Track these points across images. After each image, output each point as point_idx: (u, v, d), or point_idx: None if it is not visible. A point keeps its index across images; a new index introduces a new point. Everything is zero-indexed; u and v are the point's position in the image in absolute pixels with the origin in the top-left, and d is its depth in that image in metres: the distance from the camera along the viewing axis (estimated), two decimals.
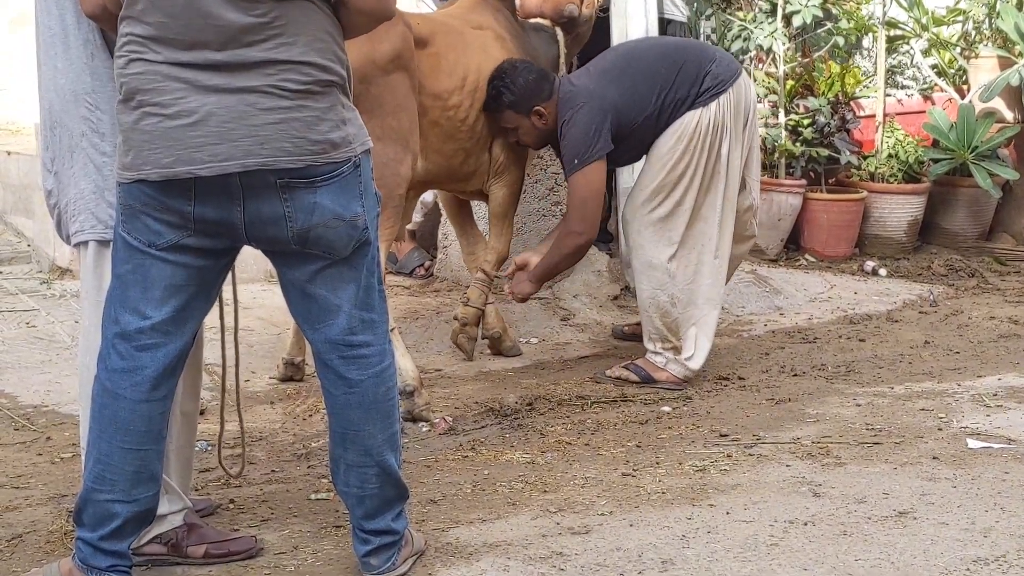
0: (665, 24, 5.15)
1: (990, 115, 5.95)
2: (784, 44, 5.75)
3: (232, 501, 3.09)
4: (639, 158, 3.98)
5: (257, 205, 2.57)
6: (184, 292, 2.62)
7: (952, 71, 6.47)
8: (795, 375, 4.44)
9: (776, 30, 5.68)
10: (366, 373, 2.70)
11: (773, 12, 5.73)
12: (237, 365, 2.99)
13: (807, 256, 5.81)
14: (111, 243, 2.68)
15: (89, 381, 2.68)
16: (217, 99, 2.52)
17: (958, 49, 6.48)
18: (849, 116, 5.83)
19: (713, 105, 3.82)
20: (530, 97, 3.78)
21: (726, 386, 4.31)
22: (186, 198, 2.53)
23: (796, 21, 5.72)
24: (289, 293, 2.74)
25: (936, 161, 5.90)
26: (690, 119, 3.82)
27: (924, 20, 6.37)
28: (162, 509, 2.75)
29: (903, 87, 6.54)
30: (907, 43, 6.56)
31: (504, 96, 3.79)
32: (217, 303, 2.89)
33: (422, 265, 5.42)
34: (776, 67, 5.80)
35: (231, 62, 2.52)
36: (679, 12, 5.32)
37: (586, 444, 3.67)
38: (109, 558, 2.62)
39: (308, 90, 2.55)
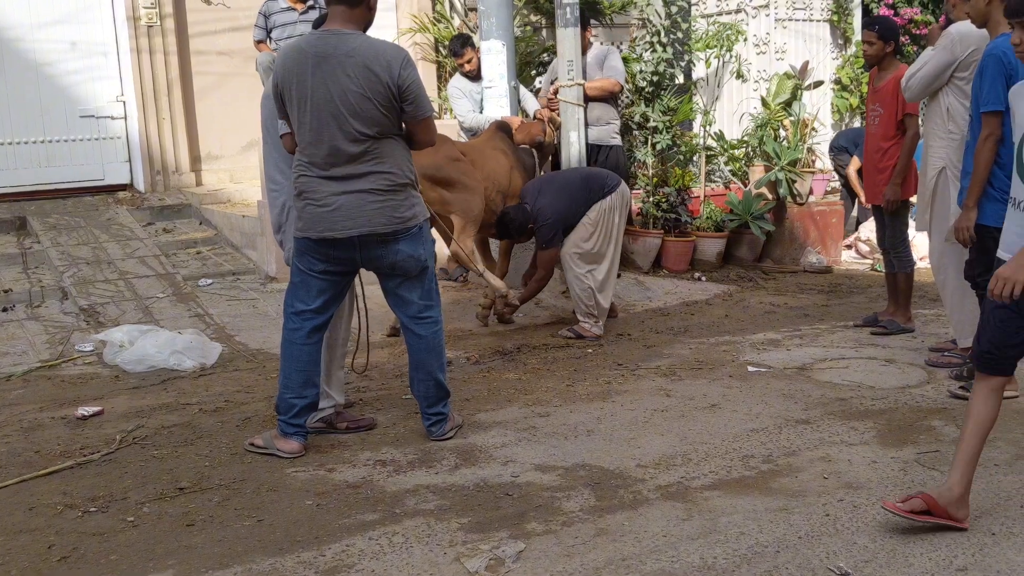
0: (595, 147, 7.01)
1: (760, 195, 8.49)
2: (651, 159, 8.03)
3: (361, 399, 4.72)
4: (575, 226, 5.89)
5: (367, 251, 3.87)
6: (326, 293, 3.95)
7: (740, 173, 9.06)
8: (657, 333, 6.10)
9: (647, 151, 7.93)
10: (428, 331, 4.05)
11: (646, 142, 7.95)
12: (368, 328, 4.48)
13: (664, 270, 7.99)
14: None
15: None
16: (345, 197, 3.77)
17: (743, 161, 9.03)
18: (686, 197, 8.01)
19: (609, 198, 5.81)
20: (523, 225, 5.72)
21: (620, 339, 5.95)
22: (330, 247, 3.86)
23: (658, 146, 7.98)
24: (386, 293, 4.07)
25: (731, 220, 8.35)
26: (598, 205, 5.78)
27: (725, 145, 8.96)
28: (322, 404, 4.18)
29: (714, 181, 8.94)
30: (717, 158, 9.08)
31: (512, 230, 5.76)
32: (360, 296, 4.32)
33: (463, 275, 7.32)
34: (648, 170, 8.02)
35: (351, 174, 3.78)
36: (616, 141, 7.19)
37: (548, 369, 5.24)
38: (292, 428, 3.97)
39: (392, 189, 3.81)
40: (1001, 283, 2.96)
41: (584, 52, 7.09)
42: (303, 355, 3.97)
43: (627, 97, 8.20)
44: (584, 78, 7.03)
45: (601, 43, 7.76)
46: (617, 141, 7.28)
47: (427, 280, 4.04)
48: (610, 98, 7.19)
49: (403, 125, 3.91)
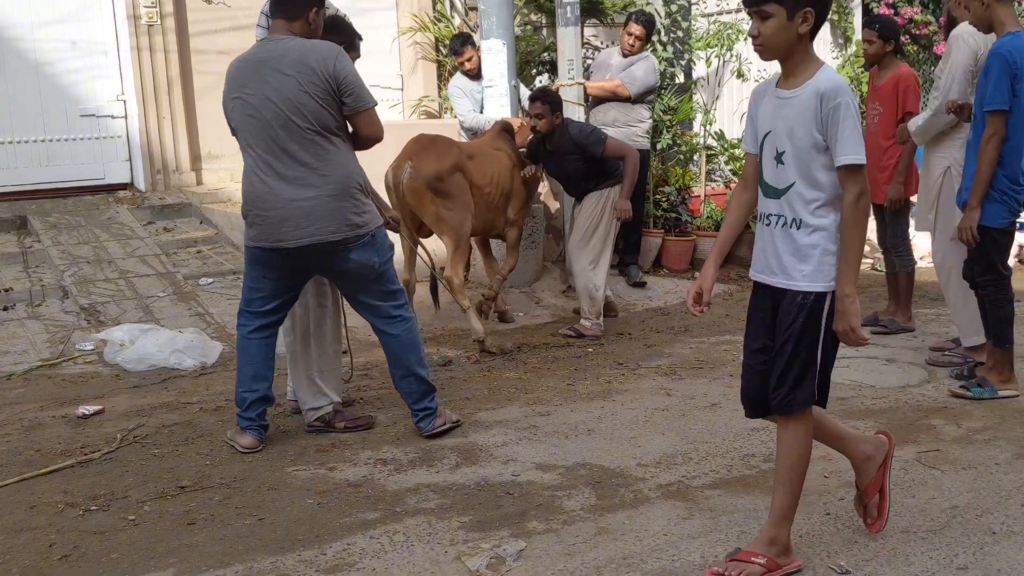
0: None
1: None
2: (652, 158, 7.96)
3: (361, 398, 4.76)
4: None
5: (318, 260, 3.90)
6: (279, 298, 4.01)
7: (740, 172, 8.91)
8: (657, 332, 6.13)
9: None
10: (400, 328, 4.06)
11: None
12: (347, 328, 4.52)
13: (664, 270, 8.02)
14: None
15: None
16: (294, 206, 3.78)
17: (744, 160, 8.88)
18: (686, 196, 8.04)
19: (617, 187, 5.87)
20: (558, 103, 5.82)
21: (621, 338, 5.98)
22: (281, 256, 3.88)
23: (658, 146, 8.03)
24: (347, 299, 4.12)
25: None
26: (609, 192, 5.83)
27: (725, 145, 8.89)
28: (319, 403, 4.23)
29: (715, 180, 8.90)
30: (717, 157, 9.03)
31: (550, 100, 5.79)
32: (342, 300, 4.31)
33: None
34: (648, 170, 7.91)
35: (300, 178, 3.78)
36: (640, 143, 7.13)
37: (548, 368, 5.27)
38: (246, 422, 4.05)
39: (341, 195, 3.81)
40: (845, 337, 2.79)
41: (633, 55, 7.21)
42: (251, 348, 4.04)
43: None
44: (587, 78, 7.07)
45: (647, 50, 7.64)
46: (641, 144, 7.20)
47: (386, 282, 4.04)
48: (635, 99, 7.18)
49: (346, 124, 3.89)
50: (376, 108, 3.93)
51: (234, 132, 3.95)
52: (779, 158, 2.82)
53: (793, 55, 2.78)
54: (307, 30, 3.92)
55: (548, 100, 5.80)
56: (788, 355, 2.85)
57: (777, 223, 2.85)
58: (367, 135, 3.91)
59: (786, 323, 2.84)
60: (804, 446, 2.90)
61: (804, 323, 2.81)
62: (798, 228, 2.80)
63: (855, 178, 2.72)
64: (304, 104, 3.75)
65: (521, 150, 6.18)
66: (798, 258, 2.81)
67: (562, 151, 5.89)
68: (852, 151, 2.69)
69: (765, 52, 2.82)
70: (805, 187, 2.78)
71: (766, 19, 2.73)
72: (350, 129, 3.94)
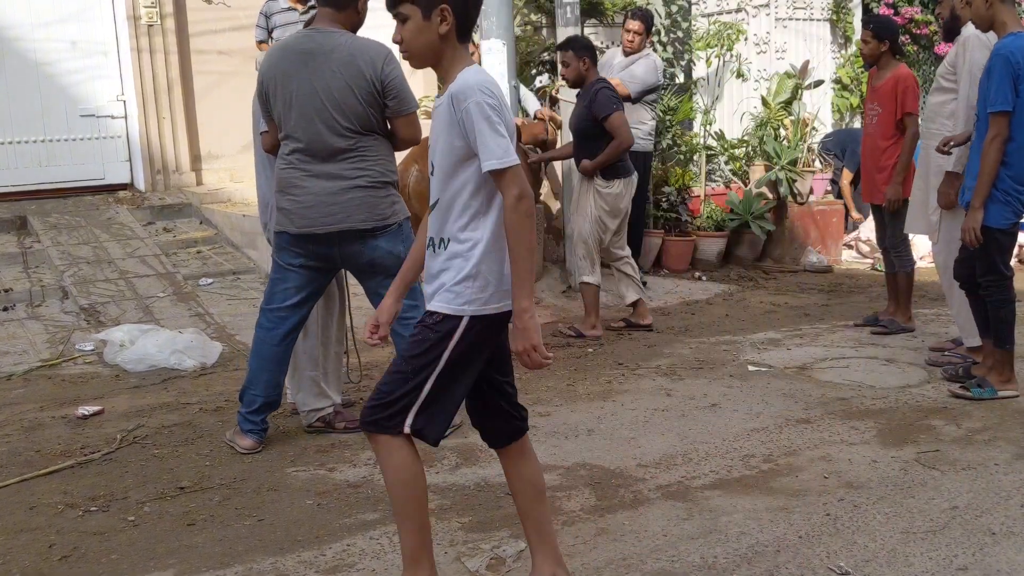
0: None
1: (760, 195, 8.49)
2: (653, 158, 7.95)
3: (361, 399, 4.65)
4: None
5: (346, 247, 3.89)
6: (304, 291, 3.98)
7: (740, 172, 9.05)
8: (658, 332, 6.10)
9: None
10: (410, 331, 3.86)
11: None
12: (353, 329, 4.47)
13: (664, 269, 8.04)
14: None
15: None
16: (326, 194, 3.81)
17: (744, 160, 9.00)
18: (686, 196, 8.10)
19: (629, 178, 5.86)
20: (583, 47, 5.79)
21: (621, 338, 5.97)
22: (308, 242, 3.88)
23: (659, 146, 8.02)
24: (368, 294, 4.07)
25: (732, 219, 8.34)
26: (620, 181, 5.83)
27: (725, 145, 8.93)
28: (321, 404, 4.24)
29: (715, 181, 8.93)
30: (717, 157, 9.03)
31: (573, 46, 5.81)
32: (346, 295, 4.34)
33: None
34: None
35: (334, 170, 3.82)
36: (641, 145, 7.11)
37: (548, 369, 4.89)
38: (249, 424, 4.03)
39: (374, 185, 3.85)
40: (527, 357, 2.49)
41: (634, 52, 7.16)
42: (272, 356, 4.03)
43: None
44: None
45: (648, 47, 7.57)
46: (643, 147, 7.15)
47: None
48: (635, 99, 7.15)
49: (387, 123, 3.91)
50: (417, 112, 3.97)
51: (268, 117, 3.95)
52: (432, 172, 2.58)
53: (441, 60, 2.56)
54: (356, 19, 3.94)
55: (571, 46, 5.79)
56: (395, 369, 2.60)
57: (432, 243, 2.60)
58: (405, 137, 3.95)
59: (410, 337, 2.63)
60: (395, 472, 2.58)
61: (425, 343, 2.56)
62: (445, 247, 2.54)
63: (508, 181, 2.43)
64: (348, 104, 3.76)
65: (528, 147, 6.18)
66: (436, 276, 2.56)
67: (581, 97, 5.88)
68: (493, 155, 2.41)
69: (411, 58, 2.60)
70: (451, 201, 2.51)
71: (404, 22, 2.56)
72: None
